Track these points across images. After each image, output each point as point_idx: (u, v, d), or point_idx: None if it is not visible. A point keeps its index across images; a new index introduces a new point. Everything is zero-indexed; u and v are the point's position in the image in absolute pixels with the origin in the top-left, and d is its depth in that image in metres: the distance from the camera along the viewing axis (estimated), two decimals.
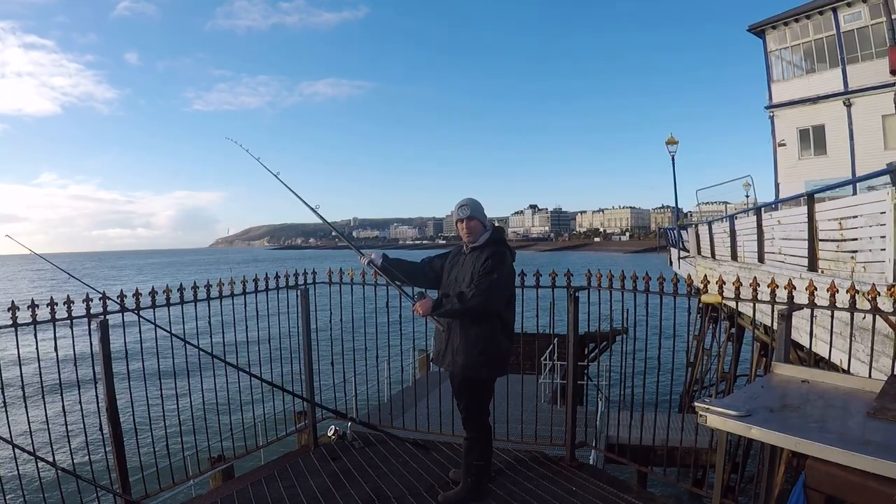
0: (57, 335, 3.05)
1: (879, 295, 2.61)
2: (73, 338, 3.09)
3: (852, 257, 4.33)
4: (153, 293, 3.48)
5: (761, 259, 6.74)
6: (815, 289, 2.81)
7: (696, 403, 1.83)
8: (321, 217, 3.66)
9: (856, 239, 4.32)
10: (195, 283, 3.79)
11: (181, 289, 3.65)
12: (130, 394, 3.40)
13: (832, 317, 2.79)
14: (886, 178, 3.64)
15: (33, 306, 2.95)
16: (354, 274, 4.30)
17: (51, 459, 3.01)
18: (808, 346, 3.13)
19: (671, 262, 15.11)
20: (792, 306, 2.81)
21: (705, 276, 3.28)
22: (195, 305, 3.79)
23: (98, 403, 3.25)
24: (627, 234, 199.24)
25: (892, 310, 2.62)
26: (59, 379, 3.05)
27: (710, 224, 10.88)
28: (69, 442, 3.27)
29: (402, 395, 8.48)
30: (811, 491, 1.57)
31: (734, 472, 7.06)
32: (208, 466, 4.29)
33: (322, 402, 4.61)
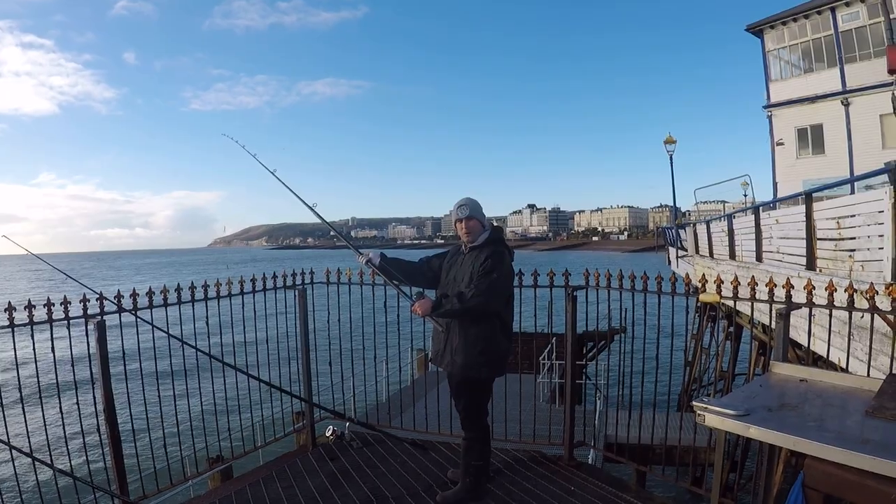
0: (54, 336, 3.03)
1: (877, 294, 2.61)
2: (70, 339, 3.08)
3: (850, 256, 4.33)
4: (150, 293, 3.47)
5: (759, 258, 6.74)
6: (814, 288, 2.81)
7: (694, 403, 1.82)
8: (318, 215, 3.65)
9: (854, 238, 4.33)
10: (192, 283, 3.77)
11: (178, 289, 3.64)
12: (128, 395, 3.39)
13: (830, 316, 2.79)
14: (884, 178, 3.64)
15: (30, 307, 2.94)
16: (352, 273, 4.29)
17: (48, 461, 2.99)
18: (806, 344, 3.13)
19: (669, 262, 15.13)
20: (790, 305, 2.81)
21: (703, 275, 3.28)
22: (192, 306, 3.77)
23: (95, 405, 3.23)
24: (626, 233, 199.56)
25: (890, 308, 2.62)
26: (57, 380, 3.04)
27: (708, 223, 10.89)
28: (66, 443, 3.26)
29: (401, 396, 8.48)
30: (810, 490, 1.56)
31: (733, 470, 7.05)
32: (206, 467, 4.29)
33: (320, 402, 4.61)
